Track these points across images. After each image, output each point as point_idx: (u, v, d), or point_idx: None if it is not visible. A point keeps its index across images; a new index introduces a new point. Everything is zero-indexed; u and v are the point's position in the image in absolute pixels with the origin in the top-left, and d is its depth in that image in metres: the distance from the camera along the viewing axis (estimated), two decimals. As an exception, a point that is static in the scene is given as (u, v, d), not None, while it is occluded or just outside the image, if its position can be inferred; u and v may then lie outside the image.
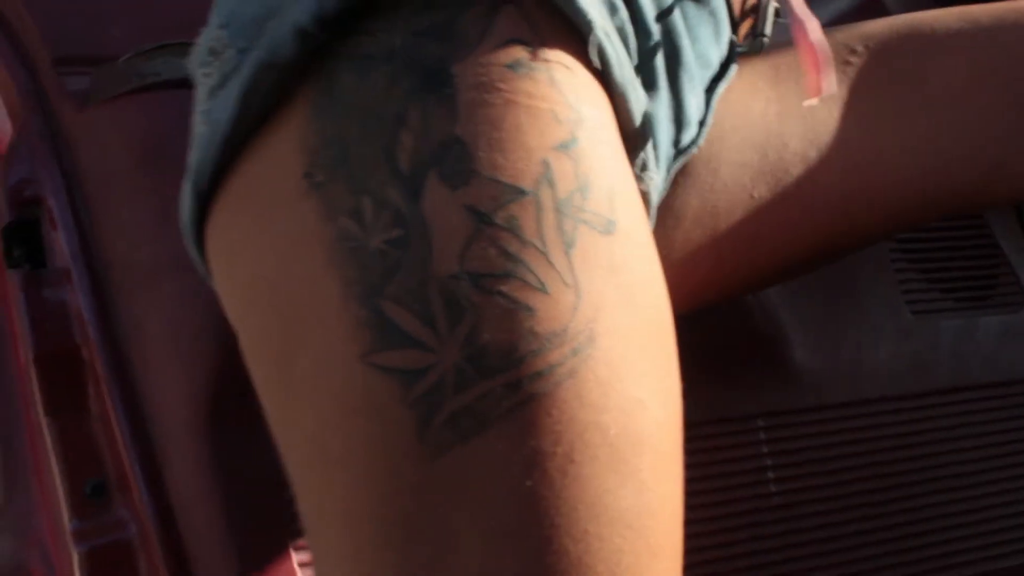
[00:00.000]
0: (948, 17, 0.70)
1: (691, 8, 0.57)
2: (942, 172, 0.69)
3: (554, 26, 0.46)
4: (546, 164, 0.43)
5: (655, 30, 0.54)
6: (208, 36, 0.51)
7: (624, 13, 0.51)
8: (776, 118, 0.67)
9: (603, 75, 0.48)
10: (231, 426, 0.71)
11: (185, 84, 0.74)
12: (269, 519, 0.71)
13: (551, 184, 0.42)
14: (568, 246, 0.42)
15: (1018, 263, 1.08)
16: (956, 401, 0.99)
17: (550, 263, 0.42)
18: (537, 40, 0.45)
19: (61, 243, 0.76)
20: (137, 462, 0.72)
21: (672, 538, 0.44)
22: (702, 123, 0.62)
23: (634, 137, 0.51)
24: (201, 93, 0.50)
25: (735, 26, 0.64)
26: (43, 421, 0.75)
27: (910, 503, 0.95)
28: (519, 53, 0.44)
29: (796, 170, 0.66)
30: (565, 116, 0.44)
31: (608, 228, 0.44)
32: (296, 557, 0.70)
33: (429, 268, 0.41)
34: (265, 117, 0.46)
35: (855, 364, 0.95)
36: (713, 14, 0.59)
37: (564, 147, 0.44)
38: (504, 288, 0.41)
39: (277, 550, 0.70)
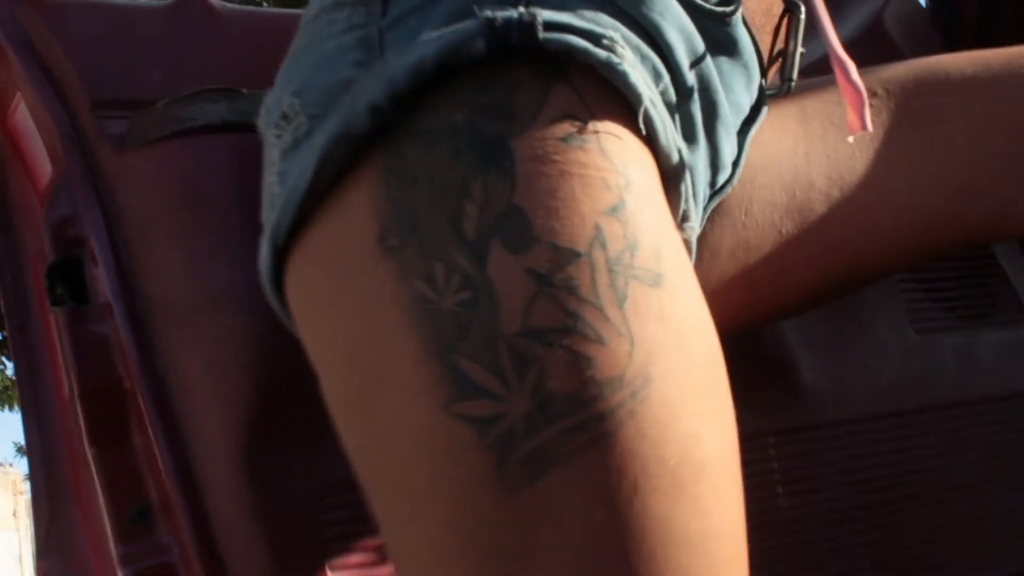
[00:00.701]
0: (962, 62, 0.73)
1: (725, 63, 0.60)
2: (956, 209, 0.72)
3: (604, 97, 0.50)
4: (598, 227, 0.47)
5: (694, 86, 0.57)
6: (278, 101, 0.54)
7: (667, 78, 0.55)
8: (804, 158, 0.70)
9: (649, 139, 0.52)
10: (266, 454, 0.74)
11: (220, 129, 0.77)
12: (304, 541, 0.74)
13: (603, 245, 0.46)
14: (621, 300, 0.46)
15: (1018, 282, 1.09)
16: (959, 416, 1.00)
17: (605, 317, 0.45)
18: (588, 113, 0.49)
19: (103, 281, 0.79)
20: (179, 489, 0.74)
21: (736, 557, 0.48)
22: (735, 164, 0.65)
23: (676, 191, 0.55)
24: (273, 153, 0.54)
25: (764, 70, 0.67)
26: (88, 452, 0.78)
27: (915, 514, 0.97)
28: (571, 127, 0.48)
29: (821, 208, 0.70)
30: (614, 182, 0.48)
31: (656, 281, 0.47)
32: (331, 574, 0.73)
33: (497, 326, 0.45)
34: (337, 181, 0.50)
35: (861, 382, 0.97)
36: (746, 66, 0.62)
37: (614, 211, 0.47)
38: (565, 342, 0.45)
39: (312, 570, 0.73)
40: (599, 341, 0.45)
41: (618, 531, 0.44)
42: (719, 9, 0.58)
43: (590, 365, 0.45)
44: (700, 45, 0.57)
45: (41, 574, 0.86)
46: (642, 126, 0.51)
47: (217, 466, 0.74)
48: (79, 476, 0.86)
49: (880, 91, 0.73)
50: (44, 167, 0.91)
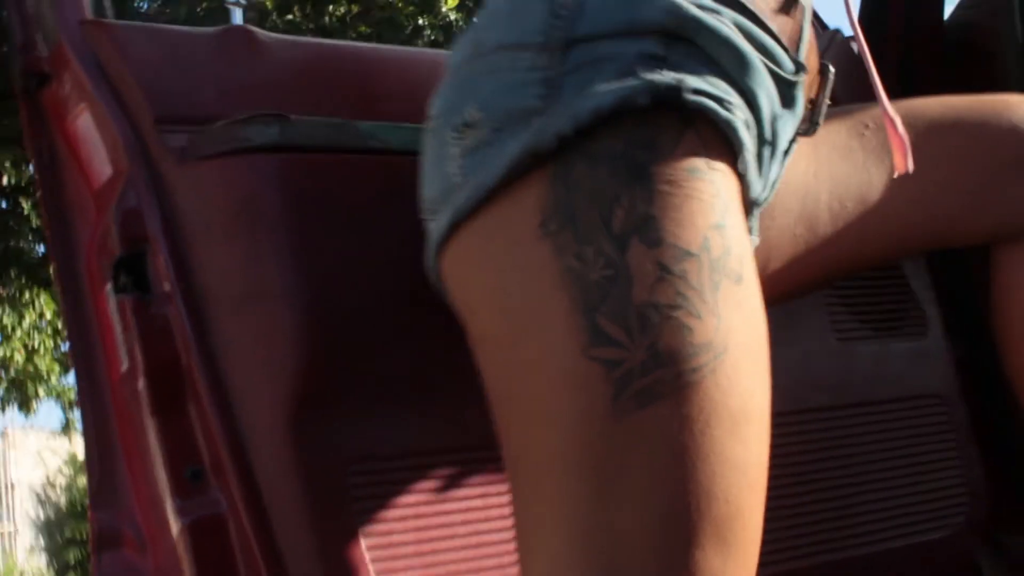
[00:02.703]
0: (935, 104, 0.90)
1: (787, 115, 0.73)
2: (929, 215, 0.88)
3: (718, 143, 0.63)
4: (706, 237, 0.60)
5: (768, 136, 0.70)
6: (458, 109, 0.65)
7: (754, 130, 0.68)
8: (813, 176, 0.85)
9: (740, 175, 0.65)
10: (305, 426, 0.81)
11: (273, 149, 0.85)
12: (336, 500, 0.82)
13: (708, 250, 0.60)
14: (715, 290, 0.59)
15: (925, 299, 1.21)
16: (872, 412, 1.11)
17: (703, 300, 0.59)
18: (706, 153, 0.62)
19: (163, 273, 0.86)
20: (228, 452, 0.82)
21: (762, 479, 0.61)
22: (774, 183, 0.77)
23: (749, 212, 0.69)
24: (452, 150, 0.65)
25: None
26: (150, 420, 0.85)
27: (832, 493, 1.07)
28: (695, 162, 0.61)
29: (825, 216, 0.85)
30: (719, 206, 0.62)
31: (738, 280, 0.61)
32: (364, 540, 0.81)
33: (629, 297, 0.58)
34: (512, 182, 0.62)
35: (789, 381, 1.06)
36: (795, 115, 0.74)
37: (717, 227, 0.61)
38: (675, 314, 0.58)
39: (347, 525, 0.81)
40: (697, 316, 0.58)
41: (690, 452, 0.58)
42: (792, 78, 0.71)
43: (689, 332, 0.58)
44: (778, 106, 0.70)
45: (94, 523, 0.93)
46: (741, 168, 0.65)
47: (262, 434, 0.82)
48: (128, 440, 0.93)
49: (871, 125, 0.87)
50: (100, 170, 0.98)
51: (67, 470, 7.19)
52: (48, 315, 7.39)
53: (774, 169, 0.74)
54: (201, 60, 0.94)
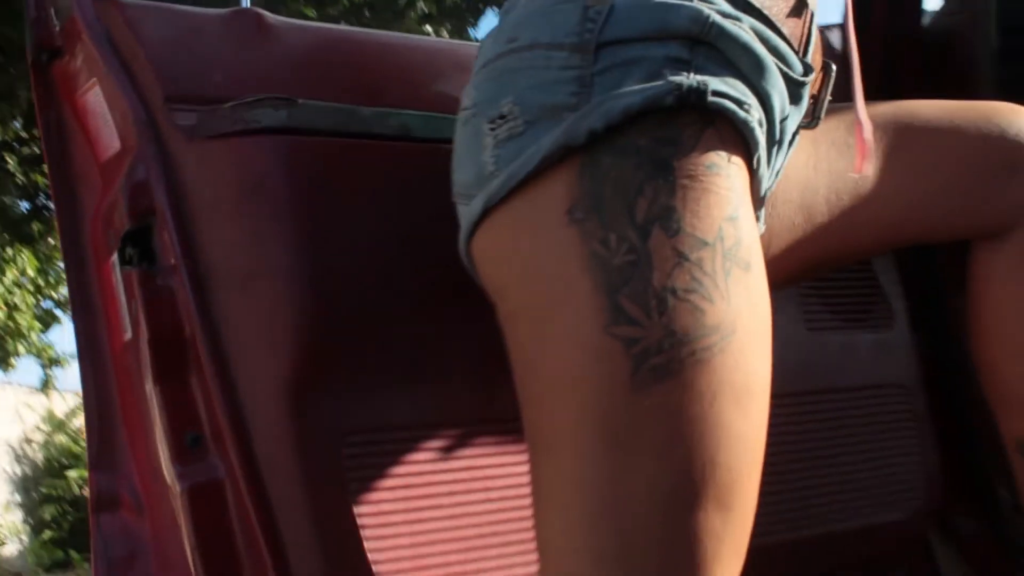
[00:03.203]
0: (931, 107, 0.94)
1: (795, 112, 0.76)
2: (918, 211, 0.92)
3: (735, 140, 0.67)
4: (721, 228, 0.64)
5: (777, 134, 0.74)
6: (494, 102, 0.69)
7: (766, 127, 0.71)
8: (812, 169, 0.88)
9: (753, 171, 0.69)
10: (303, 397, 0.83)
11: (280, 131, 0.86)
12: (330, 469, 0.84)
13: (722, 240, 0.64)
14: (727, 276, 0.63)
15: (891, 292, 1.24)
16: (840, 399, 1.15)
17: (716, 285, 0.63)
18: (724, 150, 0.66)
19: (169, 247, 0.87)
20: (228, 420, 0.84)
21: (759, 449, 0.66)
22: (778, 173, 0.81)
23: (759, 204, 0.73)
24: (486, 139, 0.69)
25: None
26: (151, 387, 0.87)
27: (796, 475, 1.11)
28: (714, 158, 0.65)
29: (822, 207, 0.89)
30: (734, 199, 0.65)
31: (747, 267, 0.65)
32: (356, 508, 0.83)
33: (649, 281, 0.62)
34: (543, 172, 0.65)
35: None
36: (800, 111, 0.78)
37: (731, 218, 0.65)
38: (691, 297, 0.62)
39: (340, 494, 0.83)
40: (710, 300, 0.62)
41: (699, 423, 0.62)
42: (801, 79, 0.75)
43: (702, 315, 0.62)
44: (787, 105, 0.74)
45: (93, 483, 0.95)
46: (754, 164, 0.69)
47: (261, 404, 0.84)
48: (128, 407, 0.95)
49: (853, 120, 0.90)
50: (108, 143, 0.99)
51: (45, 427, 7.14)
52: (30, 272, 7.31)
53: (779, 160, 0.77)
54: (211, 41, 0.95)
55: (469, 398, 0.88)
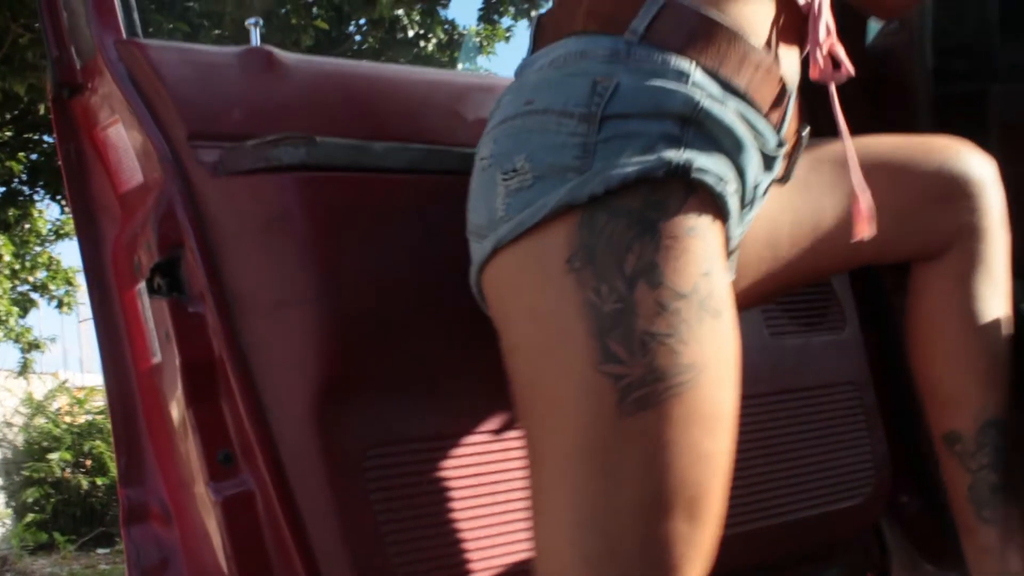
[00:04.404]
0: (881, 143, 1.00)
1: (766, 176, 0.81)
2: (869, 241, 0.94)
3: (712, 208, 0.73)
4: (696, 283, 0.70)
5: (751, 200, 0.79)
6: (509, 156, 0.73)
7: (740, 196, 0.76)
8: (778, 210, 0.92)
9: (726, 230, 0.74)
10: (328, 415, 0.85)
11: (300, 169, 0.87)
12: (352, 479, 0.85)
13: (697, 292, 0.70)
14: (700, 323, 0.69)
15: (844, 297, 1.28)
16: (796, 398, 1.18)
17: (691, 331, 0.69)
18: (703, 216, 0.72)
19: (197, 277, 0.87)
20: (257, 438, 0.85)
21: (726, 467, 0.72)
22: (748, 224, 0.85)
23: (730, 256, 0.78)
24: (499, 188, 0.74)
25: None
26: (184, 409, 0.87)
27: (761, 468, 1.14)
28: (694, 222, 0.71)
29: (786, 240, 0.93)
30: (710, 257, 0.71)
31: (718, 314, 0.71)
32: (379, 516, 0.84)
33: (633, 326, 0.68)
34: (547, 222, 0.71)
35: None
36: (772, 174, 0.83)
37: (705, 274, 0.70)
38: (668, 341, 0.68)
39: (364, 503, 0.84)
40: (685, 343, 0.69)
41: (673, 446, 0.68)
42: (774, 153, 0.80)
43: (678, 355, 0.68)
44: (761, 174, 0.79)
45: (123, 499, 0.95)
46: (728, 226, 0.75)
47: (288, 422, 0.85)
48: (155, 425, 0.95)
49: (826, 160, 0.95)
50: (128, 176, 0.98)
51: (24, 410, 6.97)
52: (7, 257, 7.09)
53: (749, 216, 0.81)
54: (226, 79, 0.95)
55: (479, 413, 0.90)
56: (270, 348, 0.86)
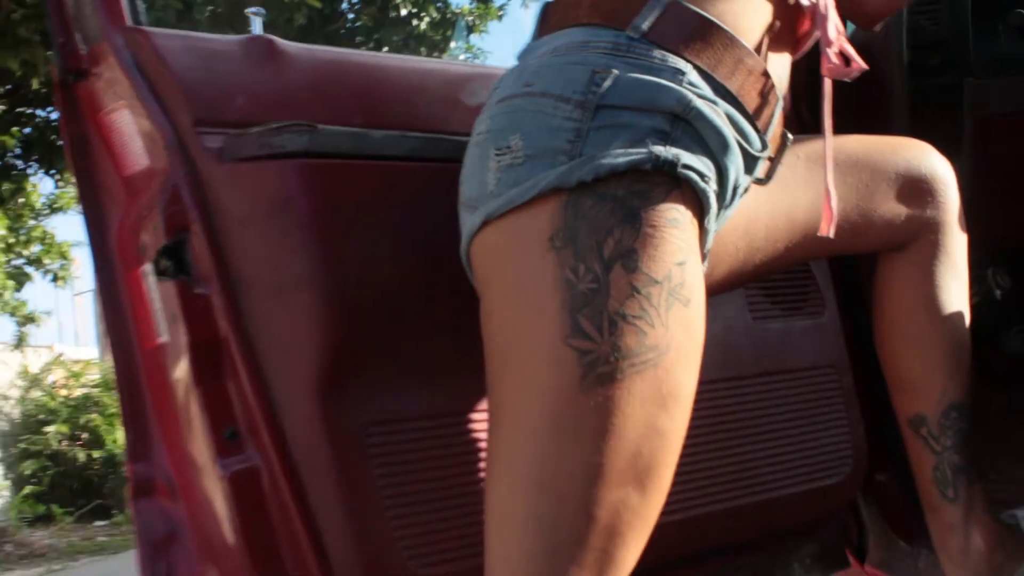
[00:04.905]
0: (852, 142, 1.01)
1: (747, 178, 0.82)
2: (841, 231, 0.97)
3: (692, 201, 0.74)
4: (670, 271, 0.71)
5: (730, 198, 0.80)
6: (504, 134, 0.74)
7: (719, 194, 0.77)
8: (755, 204, 0.92)
9: (703, 226, 0.75)
10: (330, 394, 0.85)
11: (303, 155, 0.87)
12: (355, 456, 0.86)
13: (669, 280, 0.71)
14: (668, 308, 0.71)
15: (823, 283, 1.29)
16: (778, 380, 1.19)
17: (659, 314, 0.71)
18: (683, 208, 0.73)
19: (203, 260, 0.88)
20: (262, 416, 0.86)
21: (678, 444, 0.74)
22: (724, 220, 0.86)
23: (705, 250, 0.79)
24: (491, 163, 0.75)
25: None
26: (191, 388, 0.88)
27: (744, 448, 1.15)
28: (674, 214, 0.73)
29: (761, 232, 0.94)
30: (685, 248, 0.73)
31: (687, 303, 0.73)
32: (379, 490, 0.85)
33: (605, 306, 0.70)
34: (534, 201, 0.72)
35: (713, 353, 1.13)
36: (753, 175, 0.83)
37: (680, 263, 0.72)
38: (637, 322, 0.70)
39: (365, 478, 0.86)
40: (652, 325, 0.71)
41: (630, 420, 0.71)
42: (758, 154, 0.81)
43: (644, 336, 0.70)
44: (742, 175, 0.80)
45: (131, 473, 0.96)
46: (706, 222, 0.76)
47: (292, 401, 0.86)
48: (162, 403, 0.96)
49: (801, 157, 0.96)
50: (133, 160, 0.99)
51: (20, 383, 6.95)
52: (1, 231, 7.02)
53: (727, 214, 0.83)
54: (230, 67, 0.95)
55: (475, 392, 0.91)
56: (274, 329, 0.87)
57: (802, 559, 1.24)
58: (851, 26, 1.55)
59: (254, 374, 0.86)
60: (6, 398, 6.85)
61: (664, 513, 0.77)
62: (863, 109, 1.47)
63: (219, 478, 0.86)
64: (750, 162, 0.81)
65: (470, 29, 7.24)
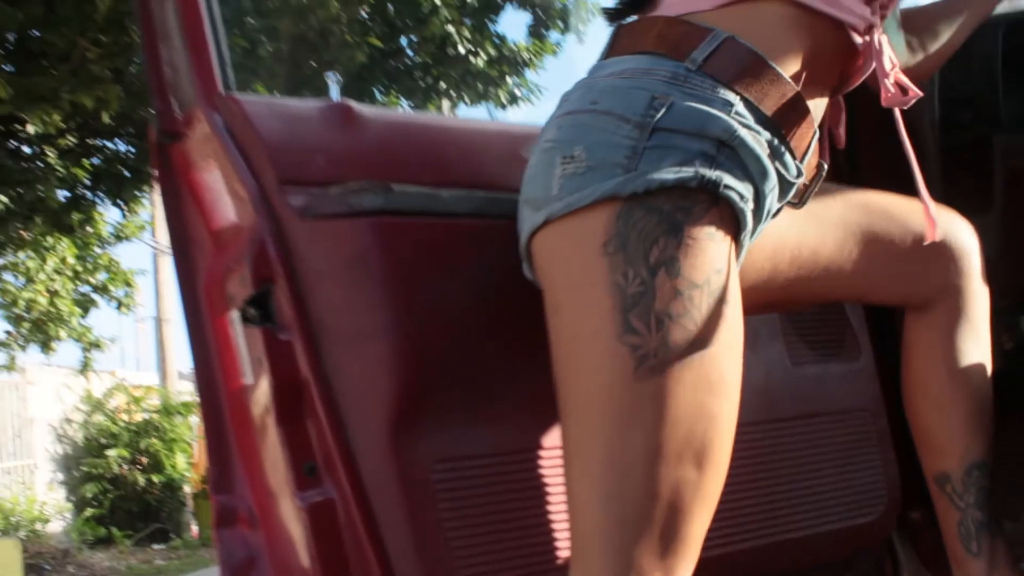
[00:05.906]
0: (878, 198, 1.05)
1: (781, 202, 0.86)
2: (860, 279, 1.03)
3: (731, 219, 0.80)
4: (709, 276, 0.77)
5: (764, 218, 0.84)
6: (570, 144, 0.81)
7: (757, 216, 0.82)
8: (785, 229, 0.97)
9: (739, 242, 0.82)
10: (400, 433, 0.89)
11: (378, 213, 0.91)
12: (421, 489, 0.89)
13: (709, 284, 0.77)
14: (709, 308, 0.77)
15: (859, 328, 1.31)
16: (816, 422, 1.20)
17: (702, 313, 0.77)
18: (723, 225, 0.79)
19: (286, 309, 0.92)
20: (338, 452, 0.90)
21: (730, 426, 0.80)
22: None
23: (738, 260, 0.84)
24: (556, 170, 0.80)
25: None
26: (273, 425, 0.92)
27: (783, 487, 1.16)
28: (713, 230, 0.78)
29: (787, 258, 0.98)
30: (722, 258, 0.79)
31: (725, 302, 0.78)
32: (445, 523, 0.88)
33: (652, 306, 0.76)
34: (592, 207, 0.78)
35: (752, 397, 1.14)
36: (786, 199, 0.88)
37: (718, 271, 0.78)
38: (682, 320, 0.76)
39: (432, 510, 0.89)
40: (695, 323, 0.76)
41: (682, 405, 0.76)
42: (794, 180, 0.85)
43: (689, 332, 0.76)
44: (776, 201, 0.85)
45: (215, 505, 1.00)
46: (741, 238, 0.82)
47: (366, 439, 0.90)
48: (244, 439, 1.00)
49: (838, 199, 1.01)
50: (221, 216, 1.04)
51: (84, 407, 7.06)
52: (70, 259, 7.12)
53: (760, 229, 0.87)
54: (311, 130, 1.00)
55: (537, 432, 0.94)
56: (350, 373, 0.91)
57: (840, 594, 1.25)
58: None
59: (331, 414, 0.90)
60: (70, 422, 6.97)
61: (706, 547, 0.80)
62: (894, 163, 1.49)
63: (297, 509, 0.90)
64: (786, 187, 0.85)
65: (527, 64, 7.22)
